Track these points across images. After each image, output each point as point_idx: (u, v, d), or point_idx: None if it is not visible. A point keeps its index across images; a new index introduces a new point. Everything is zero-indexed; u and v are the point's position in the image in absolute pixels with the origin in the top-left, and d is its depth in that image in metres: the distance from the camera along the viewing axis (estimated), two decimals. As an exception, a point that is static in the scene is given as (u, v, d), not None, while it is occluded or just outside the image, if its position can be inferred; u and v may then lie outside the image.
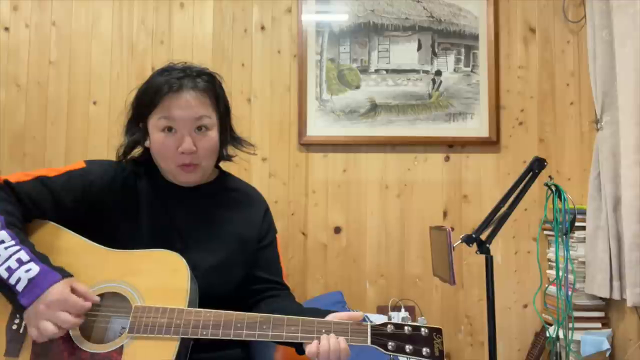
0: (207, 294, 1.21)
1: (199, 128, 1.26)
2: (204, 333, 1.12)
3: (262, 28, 2.52)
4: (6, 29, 2.52)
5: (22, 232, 1.16)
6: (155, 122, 1.26)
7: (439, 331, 1.12)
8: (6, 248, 1.10)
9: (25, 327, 1.13)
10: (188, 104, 1.24)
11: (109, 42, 2.51)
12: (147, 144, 1.31)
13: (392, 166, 2.46)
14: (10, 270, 1.08)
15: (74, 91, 2.51)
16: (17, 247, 1.11)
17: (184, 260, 1.19)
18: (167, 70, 1.28)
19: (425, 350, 1.10)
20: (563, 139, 2.45)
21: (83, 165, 1.31)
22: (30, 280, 1.08)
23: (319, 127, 2.45)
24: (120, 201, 1.29)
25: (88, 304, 1.11)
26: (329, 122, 2.45)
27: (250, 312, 1.34)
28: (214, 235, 1.31)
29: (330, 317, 1.16)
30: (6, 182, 1.20)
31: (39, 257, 1.12)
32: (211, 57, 2.49)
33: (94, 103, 2.50)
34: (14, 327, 1.13)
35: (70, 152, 2.47)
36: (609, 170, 2.15)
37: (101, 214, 1.27)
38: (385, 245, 2.44)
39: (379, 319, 2.11)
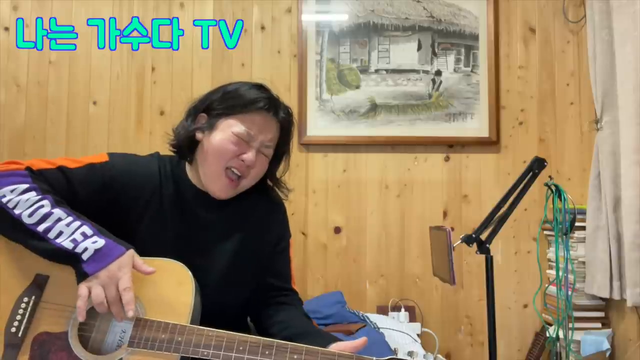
0: (217, 305, 1.20)
1: (262, 152, 1.28)
2: (205, 353, 1.09)
3: (262, 28, 2.52)
4: (6, 29, 2.52)
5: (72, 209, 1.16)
6: (231, 124, 1.25)
7: None
8: (68, 224, 1.11)
9: (24, 331, 1.11)
10: (269, 129, 1.28)
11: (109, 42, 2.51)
12: (200, 136, 1.28)
13: (392, 166, 2.46)
14: (75, 242, 1.10)
15: (74, 91, 2.51)
16: (79, 222, 1.12)
17: (190, 273, 1.16)
18: (261, 87, 1.32)
19: None
20: (563, 139, 2.45)
21: (106, 158, 1.27)
22: (96, 251, 1.10)
23: (319, 127, 2.45)
24: (141, 200, 1.25)
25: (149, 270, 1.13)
26: (329, 122, 2.46)
27: (257, 316, 1.32)
28: (234, 243, 1.30)
29: (333, 347, 1.14)
30: (29, 168, 1.18)
31: (101, 231, 1.13)
32: (211, 57, 2.49)
33: (94, 103, 2.50)
34: (13, 329, 1.12)
35: (70, 152, 2.47)
36: (609, 170, 2.15)
37: (120, 211, 1.24)
38: (385, 245, 2.44)
39: (378, 319, 2.13)
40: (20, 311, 1.13)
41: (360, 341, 1.12)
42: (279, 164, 1.36)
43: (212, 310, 1.18)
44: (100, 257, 1.09)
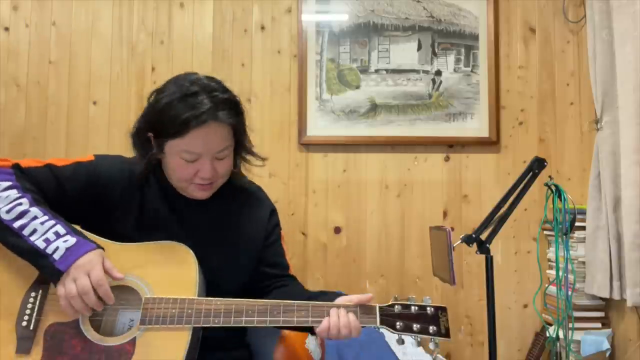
0: (215, 295, 1.21)
1: (218, 157, 1.25)
2: (216, 321, 1.13)
3: (262, 28, 2.52)
4: (6, 29, 2.52)
5: (49, 208, 1.19)
6: (174, 150, 1.22)
7: (444, 309, 1.16)
8: (42, 223, 1.14)
9: (35, 323, 1.14)
10: (216, 137, 1.22)
11: (109, 42, 2.52)
12: (160, 155, 1.28)
13: (392, 166, 2.46)
14: (47, 242, 1.12)
15: (74, 91, 2.51)
16: (53, 222, 1.15)
17: (192, 251, 1.20)
18: (189, 95, 1.21)
19: (432, 328, 1.14)
20: (563, 139, 2.45)
21: (92, 158, 1.31)
22: (67, 249, 1.12)
23: (319, 127, 2.45)
24: (125, 200, 1.28)
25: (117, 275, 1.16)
26: (329, 122, 2.45)
27: None
28: (222, 238, 1.32)
29: (339, 300, 1.19)
30: (17, 166, 1.22)
31: (74, 231, 1.17)
32: (211, 57, 2.49)
33: (94, 103, 2.50)
34: (24, 323, 1.14)
35: (70, 152, 2.47)
36: (609, 170, 2.15)
37: (104, 210, 1.27)
38: (385, 245, 2.44)
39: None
40: (30, 305, 1.16)
41: (366, 296, 1.17)
42: (245, 145, 1.33)
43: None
44: (70, 254, 1.13)
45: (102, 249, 1.17)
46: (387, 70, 2.47)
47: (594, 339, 2.11)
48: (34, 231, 1.13)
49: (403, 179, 2.46)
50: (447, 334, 1.13)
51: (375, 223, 2.44)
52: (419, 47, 2.48)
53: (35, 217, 1.14)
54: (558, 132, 2.45)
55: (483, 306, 1.62)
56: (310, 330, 1.19)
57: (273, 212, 1.43)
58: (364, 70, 2.47)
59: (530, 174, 1.53)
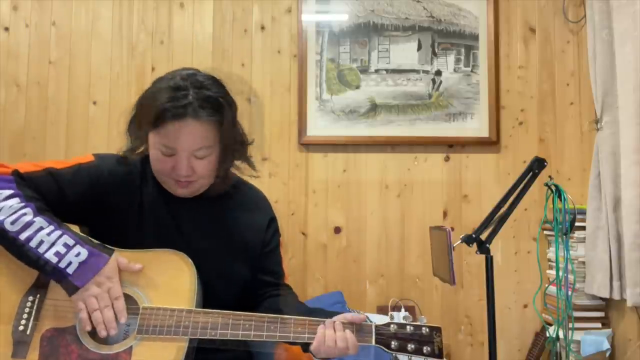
0: (211, 299, 1.21)
1: (196, 156, 1.21)
2: (213, 334, 1.13)
3: (262, 28, 2.52)
4: (6, 29, 2.52)
5: (54, 216, 1.18)
6: (153, 141, 1.22)
7: (438, 330, 1.17)
8: (49, 234, 1.13)
9: (32, 328, 1.13)
10: (189, 135, 1.18)
11: (109, 42, 2.52)
12: (145, 146, 1.29)
13: (392, 166, 2.46)
14: (59, 255, 1.11)
15: (74, 91, 2.51)
16: (60, 232, 1.14)
17: (190, 260, 1.19)
18: (174, 88, 1.18)
19: (426, 349, 1.15)
20: (563, 139, 2.45)
21: (92, 159, 1.30)
22: (81, 264, 1.12)
23: (319, 127, 2.45)
24: (124, 200, 1.27)
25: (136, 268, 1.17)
26: (329, 122, 2.45)
27: (253, 311, 1.35)
28: (219, 241, 1.31)
29: (335, 318, 1.18)
30: (16, 173, 1.20)
31: (82, 239, 1.16)
32: (211, 57, 2.49)
33: (94, 103, 2.50)
34: (21, 328, 1.13)
35: (70, 152, 2.47)
36: (609, 170, 2.15)
37: (105, 210, 1.26)
38: (385, 245, 2.43)
39: (379, 319, 2.12)
40: (27, 310, 1.16)
41: (359, 317, 1.18)
42: (235, 150, 1.29)
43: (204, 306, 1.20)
44: (86, 270, 1.12)
45: (113, 250, 1.17)
46: (387, 70, 2.47)
47: (594, 339, 2.11)
48: (41, 242, 1.12)
49: (403, 179, 2.46)
50: (440, 355, 1.14)
51: (375, 223, 2.44)
52: (419, 47, 2.48)
53: (41, 228, 1.13)
54: (558, 132, 2.45)
55: (483, 306, 1.62)
56: (306, 346, 1.17)
57: (272, 219, 1.41)
58: (364, 70, 2.47)
59: (530, 174, 1.53)
